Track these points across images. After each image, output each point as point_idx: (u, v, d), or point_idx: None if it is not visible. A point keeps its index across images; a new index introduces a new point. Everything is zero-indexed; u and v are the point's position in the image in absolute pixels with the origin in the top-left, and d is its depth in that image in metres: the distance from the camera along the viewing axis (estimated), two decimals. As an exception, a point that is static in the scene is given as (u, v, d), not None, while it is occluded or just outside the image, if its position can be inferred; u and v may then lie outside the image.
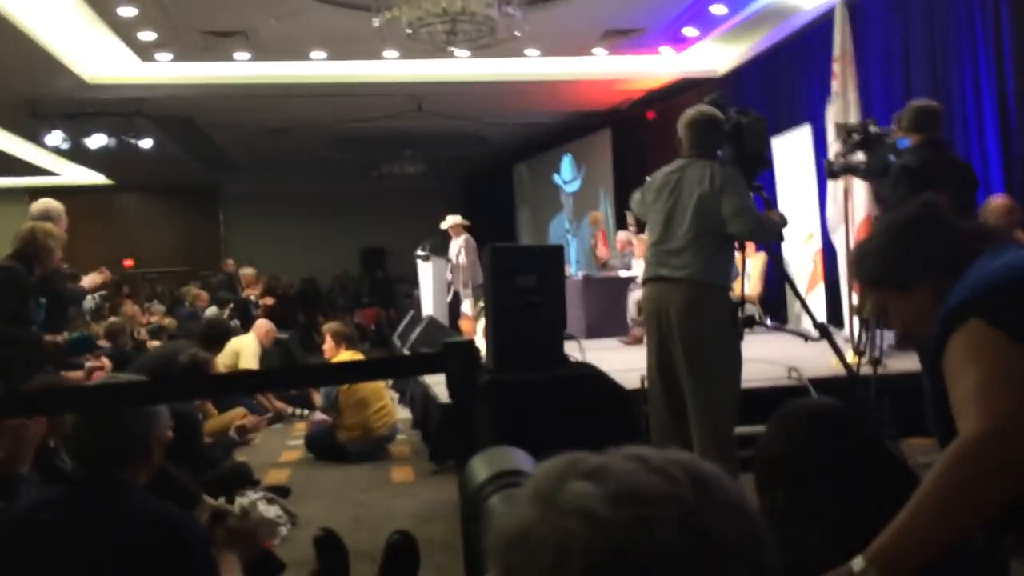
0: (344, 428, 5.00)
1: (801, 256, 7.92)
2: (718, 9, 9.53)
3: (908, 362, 4.11)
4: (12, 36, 8.45)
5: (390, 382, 7.84)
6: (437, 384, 5.17)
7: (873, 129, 4.53)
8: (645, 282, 3.46)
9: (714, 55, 11.21)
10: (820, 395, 4.28)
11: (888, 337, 4.61)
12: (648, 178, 3.66)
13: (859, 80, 6.33)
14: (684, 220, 3.30)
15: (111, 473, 1.85)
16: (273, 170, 18.62)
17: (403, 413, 6.69)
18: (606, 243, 11.41)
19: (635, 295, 9.12)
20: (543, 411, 3.37)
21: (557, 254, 3.68)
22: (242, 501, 3.02)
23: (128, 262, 19.93)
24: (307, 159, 17.86)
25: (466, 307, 8.28)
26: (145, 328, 8.00)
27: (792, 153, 8.15)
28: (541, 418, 3.31)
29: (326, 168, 18.59)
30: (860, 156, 4.74)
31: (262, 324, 7.77)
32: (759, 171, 3.70)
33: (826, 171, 5.10)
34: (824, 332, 3.84)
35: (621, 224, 11.74)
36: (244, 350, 7.11)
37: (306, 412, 6.54)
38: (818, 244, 7.71)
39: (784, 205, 8.36)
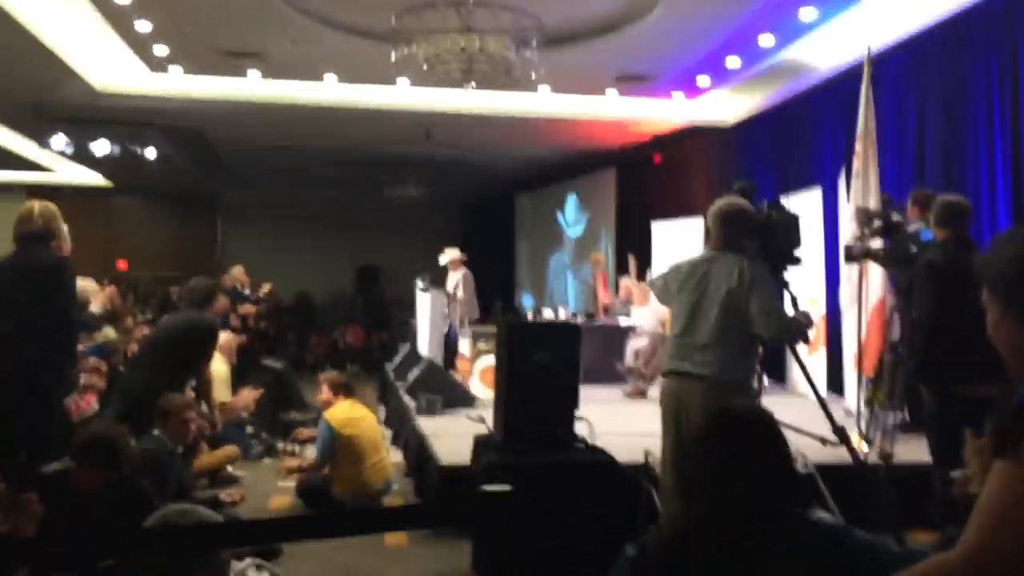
0: (339, 481, 4.89)
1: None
2: (732, 62, 9.55)
3: (916, 452, 4.05)
4: (23, 39, 8.39)
5: (383, 427, 7.74)
6: (436, 437, 5.08)
7: (895, 218, 4.51)
8: (667, 374, 3.40)
9: (725, 104, 11.24)
10: (826, 485, 4.23)
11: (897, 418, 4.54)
12: (672, 264, 3.60)
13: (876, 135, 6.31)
14: (710, 315, 3.25)
15: None
16: (274, 182, 18.57)
17: (394, 455, 6.59)
18: (606, 285, 11.37)
19: (633, 344, 9.08)
20: (552, 496, 3.30)
21: (574, 333, 3.62)
22: (232, 569, 2.94)
23: (122, 264, 19.81)
24: (310, 174, 17.84)
25: (463, 347, 8.21)
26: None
27: (800, 215, 8.13)
28: (550, 502, 3.25)
29: (328, 184, 18.56)
30: (878, 242, 4.73)
31: (223, 339, 7.36)
32: (788, 267, 3.66)
33: (844, 255, 5.07)
34: (843, 437, 3.78)
35: (622, 267, 11.72)
36: (218, 380, 6.55)
37: (298, 448, 6.43)
38: (822, 309, 7.68)
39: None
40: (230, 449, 5.62)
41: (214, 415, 5.10)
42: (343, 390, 5.27)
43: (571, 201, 16.47)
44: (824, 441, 3.82)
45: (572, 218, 16.45)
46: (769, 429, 1.80)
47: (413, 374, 6.75)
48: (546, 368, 3.38)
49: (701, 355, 3.26)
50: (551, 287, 17.18)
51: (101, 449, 3.25)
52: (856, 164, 5.71)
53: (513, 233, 19.05)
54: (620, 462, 4.27)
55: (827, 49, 8.67)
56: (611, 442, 4.83)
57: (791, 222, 3.67)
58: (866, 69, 5.86)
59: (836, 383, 7.63)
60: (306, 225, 19.93)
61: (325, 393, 5.31)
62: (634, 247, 11.35)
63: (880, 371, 4.37)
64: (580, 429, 3.67)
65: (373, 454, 4.97)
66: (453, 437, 4.90)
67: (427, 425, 5.65)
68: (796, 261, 3.69)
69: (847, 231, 6.00)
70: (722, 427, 1.80)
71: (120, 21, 8.48)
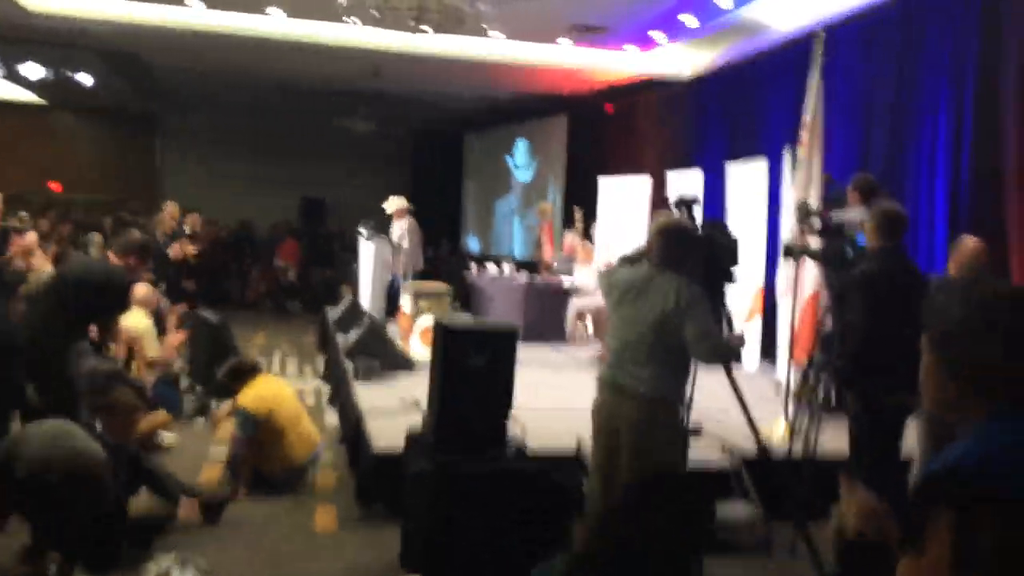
0: (264, 460, 4.84)
1: (742, 289, 7.98)
2: (688, 20, 9.43)
3: (842, 442, 4.17)
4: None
5: (321, 381, 7.70)
6: (372, 415, 5.07)
7: (834, 219, 4.55)
8: (600, 383, 3.41)
9: (680, 58, 11.14)
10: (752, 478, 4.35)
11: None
12: (615, 260, 3.59)
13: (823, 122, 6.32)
14: (645, 332, 3.26)
15: None
16: (216, 107, 17.99)
17: (330, 415, 6.57)
18: (551, 238, 11.36)
19: (576, 303, 9.13)
20: (482, 504, 3.33)
21: (511, 337, 3.60)
22: (155, 567, 2.91)
23: (55, 185, 19.13)
24: (254, 101, 17.31)
25: (405, 303, 8.14)
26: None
27: (746, 184, 8.18)
28: (480, 509, 3.28)
29: (273, 111, 18.05)
30: (817, 240, 4.79)
31: (141, 292, 6.77)
32: (724, 285, 3.67)
33: (783, 251, 5.12)
34: (761, 449, 3.89)
35: (568, 220, 11.70)
36: (143, 336, 6.42)
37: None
38: (760, 281, 7.77)
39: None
40: (160, 415, 5.53)
41: (143, 380, 4.97)
42: (248, 375, 5.06)
43: (521, 145, 16.30)
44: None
45: (522, 161, 16.32)
46: (697, 503, 1.84)
47: (352, 335, 6.69)
48: (481, 372, 3.38)
49: (635, 369, 3.28)
50: (498, 232, 17.11)
51: None
52: (801, 152, 5.72)
53: (461, 173, 18.83)
54: (551, 454, 4.34)
55: (785, 11, 8.61)
56: (546, 424, 4.90)
57: (732, 245, 3.67)
58: (817, 55, 5.81)
59: (770, 352, 7.81)
60: (249, 152, 19.37)
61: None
62: (581, 201, 11.31)
63: (810, 363, 4.45)
64: (513, 428, 3.68)
65: (294, 427, 4.91)
66: (388, 417, 4.90)
67: (364, 395, 5.63)
68: (733, 280, 3.71)
69: (790, 209, 6.04)
70: (652, 498, 1.84)
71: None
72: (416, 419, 4.16)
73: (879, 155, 7.35)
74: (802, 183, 5.59)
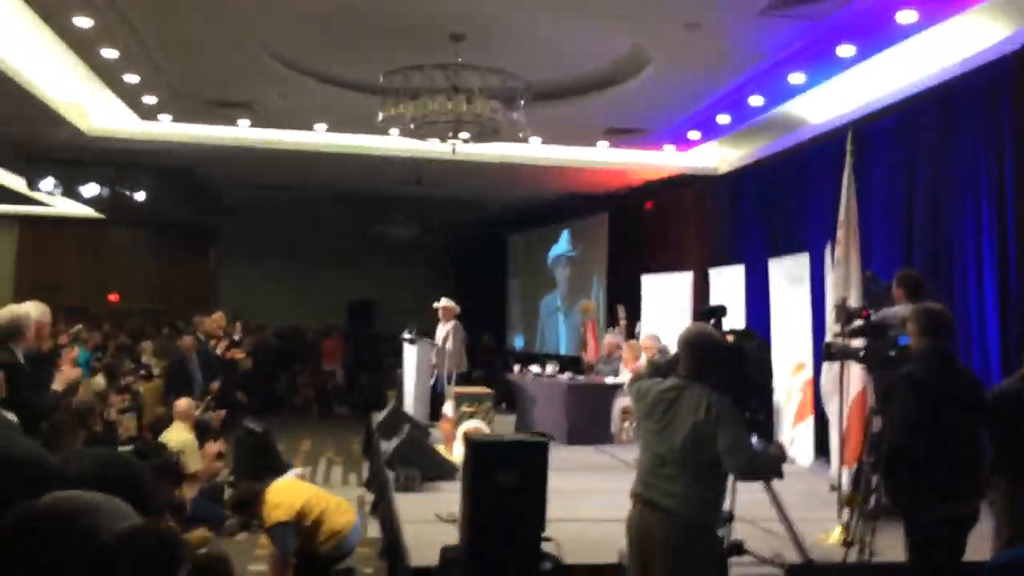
0: (313, 543, 4.75)
1: (790, 385, 7.83)
2: (723, 119, 9.56)
3: (899, 547, 3.97)
4: (11, 89, 8.38)
5: (364, 489, 7.65)
6: (410, 529, 4.98)
7: (874, 319, 4.47)
8: (634, 499, 3.32)
9: (715, 153, 11.24)
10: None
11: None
12: (643, 378, 3.52)
13: (860, 208, 6.26)
14: (676, 447, 3.18)
15: None
16: (268, 218, 18.54)
17: (372, 528, 6.48)
18: (595, 336, 11.31)
19: (620, 402, 9.00)
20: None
21: (542, 451, 3.54)
22: None
23: (113, 296, 19.73)
24: (303, 211, 17.83)
25: (447, 408, 8.12)
26: (116, 407, 7.74)
27: (788, 279, 8.10)
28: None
29: (320, 220, 18.55)
30: (859, 342, 4.68)
31: (182, 407, 7.20)
32: (755, 396, 3.59)
33: (823, 353, 5.02)
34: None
35: (611, 319, 11.66)
36: (184, 451, 6.54)
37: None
38: (808, 374, 7.61)
39: (776, 331, 8.31)
40: (200, 534, 5.51)
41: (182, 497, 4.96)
42: (259, 494, 5.05)
43: (565, 234, 16.50)
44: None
45: (565, 247, 16.48)
46: None
47: (393, 443, 6.66)
48: (512, 489, 3.31)
49: (668, 485, 3.18)
50: (543, 329, 17.12)
51: None
52: (838, 252, 5.66)
53: (505, 272, 19.01)
54: (592, 563, 4.20)
55: (818, 105, 8.68)
56: (586, 534, 4.76)
57: (763, 354, 3.61)
58: (848, 153, 5.81)
59: (824, 448, 7.57)
60: (298, 258, 19.88)
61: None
62: (624, 298, 11.30)
63: (859, 467, 4.29)
64: (548, 545, 3.58)
65: (325, 501, 4.97)
66: (427, 530, 4.82)
67: (404, 505, 5.56)
68: (765, 391, 3.63)
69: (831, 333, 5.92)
70: None
71: (109, 74, 8.47)
72: (454, 534, 4.08)
73: (921, 245, 7.25)
74: (841, 282, 5.51)
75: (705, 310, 3.81)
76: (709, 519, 3.24)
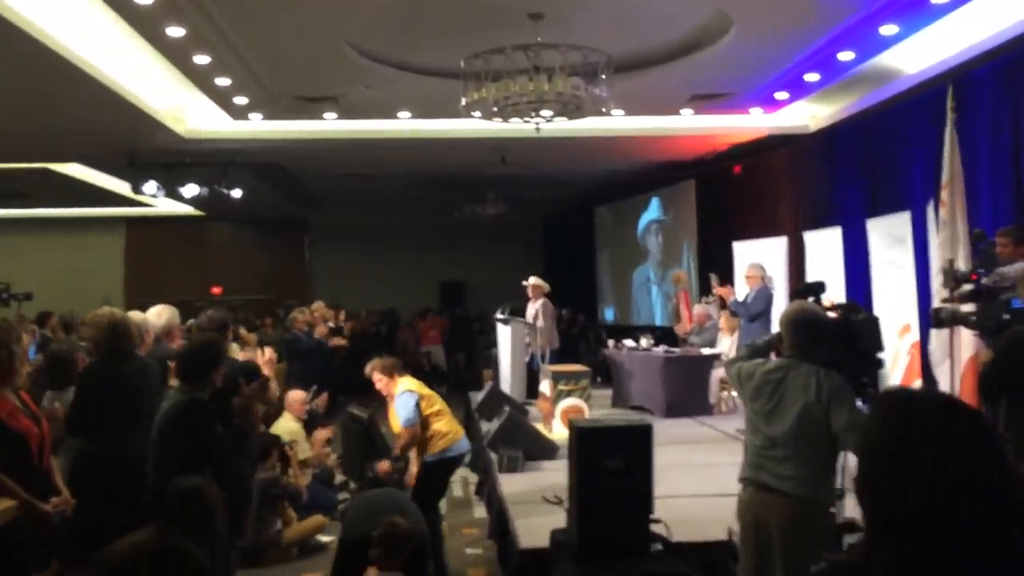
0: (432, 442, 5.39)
1: (896, 348, 7.60)
2: (811, 77, 9.26)
3: None
4: (113, 97, 8.79)
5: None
6: (518, 512, 5.07)
7: (985, 282, 4.29)
8: (744, 483, 3.31)
9: (806, 112, 10.92)
10: None
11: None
12: (742, 360, 3.47)
13: (964, 162, 6.00)
14: (786, 428, 3.15)
15: None
16: (358, 206, 18.93)
17: (479, 509, 6.63)
18: (688, 306, 11.19)
19: (718, 373, 8.91)
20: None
21: (646, 434, 3.55)
22: None
23: (216, 289, 20.53)
24: (391, 197, 18.12)
25: (544, 387, 8.19)
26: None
27: (889, 238, 7.84)
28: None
29: (409, 204, 18.83)
30: (968, 306, 4.51)
31: (294, 399, 7.53)
32: (868, 371, 3.51)
33: (933, 320, 4.85)
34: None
35: (704, 287, 11.50)
36: (294, 439, 6.80)
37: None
38: (915, 336, 7.38)
39: (878, 293, 8.07)
40: (317, 520, 5.74)
41: (299, 485, 5.18)
42: (396, 370, 5.57)
43: (655, 201, 16.33)
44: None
45: (657, 213, 16.34)
46: None
47: (494, 424, 6.77)
48: (618, 473, 3.34)
49: (780, 467, 3.16)
50: (636, 301, 17.02)
51: None
52: (943, 212, 5.45)
53: (593, 245, 18.93)
54: (701, 541, 4.21)
55: (913, 58, 8.32)
56: (692, 510, 4.76)
57: (872, 324, 3.52)
58: (949, 109, 5.56)
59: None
60: (389, 244, 20.30)
61: (381, 381, 5.56)
62: (717, 265, 11.13)
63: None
64: (656, 527, 3.60)
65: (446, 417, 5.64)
66: (534, 512, 4.90)
67: (508, 486, 5.66)
68: (879, 364, 3.54)
69: (937, 270, 5.73)
70: None
71: (201, 79, 8.77)
72: (561, 515, 4.14)
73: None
74: (947, 244, 5.31)
75: (802, 287, 3.75)
76: (823, 498, 3.21)
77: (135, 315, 4.87)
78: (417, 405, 5.56)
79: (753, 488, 3.25)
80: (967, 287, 4.42)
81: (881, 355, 3.55)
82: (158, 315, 4.96)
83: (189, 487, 3.34)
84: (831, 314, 3.55)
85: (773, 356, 3.50)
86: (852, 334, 3.43)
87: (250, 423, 4.24)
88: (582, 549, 3.33)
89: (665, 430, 8.15)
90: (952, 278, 4.52)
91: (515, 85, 7.53)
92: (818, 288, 3.71)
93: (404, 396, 5.59)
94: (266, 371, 5.07)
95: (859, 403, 3.27)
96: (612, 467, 3.33)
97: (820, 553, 3.12)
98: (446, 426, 5.74)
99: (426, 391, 5.79)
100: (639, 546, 3.36)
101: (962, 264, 5.04)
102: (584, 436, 3.45)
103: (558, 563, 3.51)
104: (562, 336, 11.39)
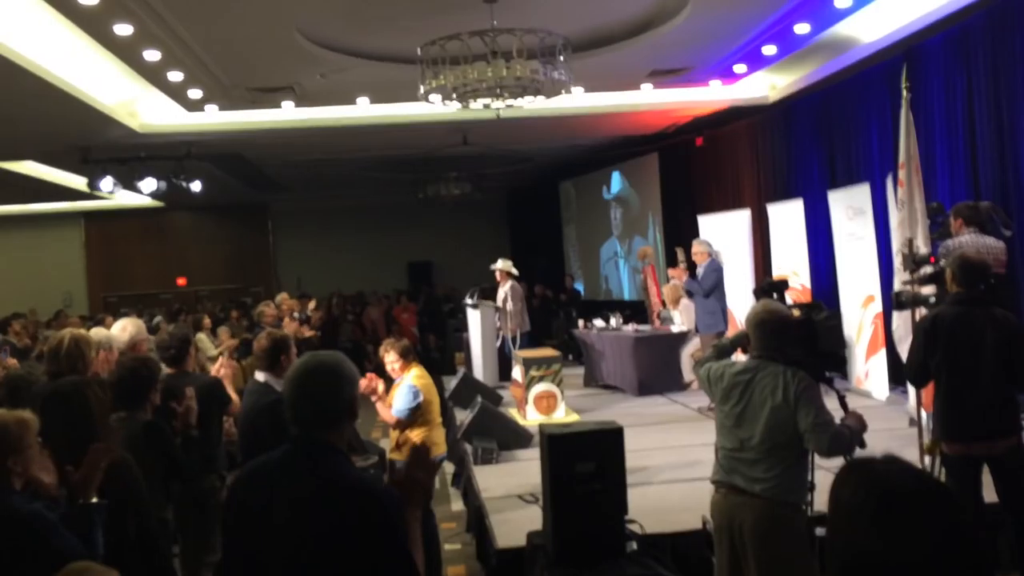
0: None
1: (860, 319, 7.70)
2: (768, 50, 9.28)
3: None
4: (62, 96, 8.57)
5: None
6: (494, 508, 5.09)
7: (943, 263, 4.35)
8: (716, 485, 3.33)
9: (765, 82, 10.94)
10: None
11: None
12: (710, 360, 3.49)
13: (920, 135, 6.04)
14: (756, 430, 3.17)
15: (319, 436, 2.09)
16: (321, 189, 18.73)
17: (455, 501, 6.64)
18: (656, 280, 11.25)
19: (688, 348, 8.99)
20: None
21: (617, 437, 3.57)
22: None
23: (181, 280, 20.26)
24: (354, 180, 17.94)
25: (516, 373, 8.20)
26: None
27: (850, 210, 7.92)
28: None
29: (373, 186, 18.66)
30: (928, 288, 4.57)
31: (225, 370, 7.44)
32: (831, 368, 3.55)
33: (894, 303, 4.90)
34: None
35: (671, 261, 11.55)
36: None
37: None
38: (878, 307, 7.46)
39: (841, 265, 8.16)
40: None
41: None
42: (411, 354, 5.44)
43: (616, 175, 16.31)
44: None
45: (618, 188, 16.33)
46: None
47: (468, 414, 6.78)
48: (591, 478, 3.36)
49: (750, 470, 3.19)
50: (604, 275, 17.07)
51: None
52: (900, 192, 5.49)
53: (559, 220, 18.92)
54: (676, 532, 4.26)
55: (868, 27, 8.36)
56: (666, 499, 4.82)
57: (832, 323, 3.56)
58: (905, 88, 5.58)
59: (900, 379, 7.47)
60: (354, 226, 20.14)
61: (397, 363, 5.40)
62: (682, 240, 11.18)
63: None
64: (630, 525, 3.64)
65: (438, 431, 5.38)
66: (510, 505, 4.92)
67: (484, 479, 5.69)
68: (842, 363, 3.59)
69: (897, 241, 5.78)
70: None
71: (153, 75, 8.59)
72: (537, 512, 4.17)
73: (988, 169, 6.99)
74: (906, 223, 5.35)
75: (766, 285, 3.78)
76: (795, 497, 3.25)
77: (98, 332, 4.78)
78: (417, 406, 5.36)
79: (725, 490, 3.29)
80: (927, 269, 4.48)
81: (843, 352, 3.60)
82: (123, 329, 4.86)
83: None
84: (795, 312, 3.58)
85: (740, 353, 3.53)
86: (814, 334, 3.47)
87: (195, 429, 4.17)
88: (558, 554, 3.35)
89: (638, 410, 8.24)
90: (912, 261, 4.58)
91: (473, 71, 7.46)
92: (781, 285, 3.74)
93: (411, 388, 5.40)
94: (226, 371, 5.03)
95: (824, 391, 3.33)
96: (584, 472, 3.34)
97: (794, 555, 3.18)
98: (437, 437, 5.49)
99: (432, 396, 5.56)
100: (614, 548, 3.39)
101: (921, 243, 5.10)
102: (555, 442, 3.46)
103: (535, 568, 3.53)
104: (533, 313, 11.39)
